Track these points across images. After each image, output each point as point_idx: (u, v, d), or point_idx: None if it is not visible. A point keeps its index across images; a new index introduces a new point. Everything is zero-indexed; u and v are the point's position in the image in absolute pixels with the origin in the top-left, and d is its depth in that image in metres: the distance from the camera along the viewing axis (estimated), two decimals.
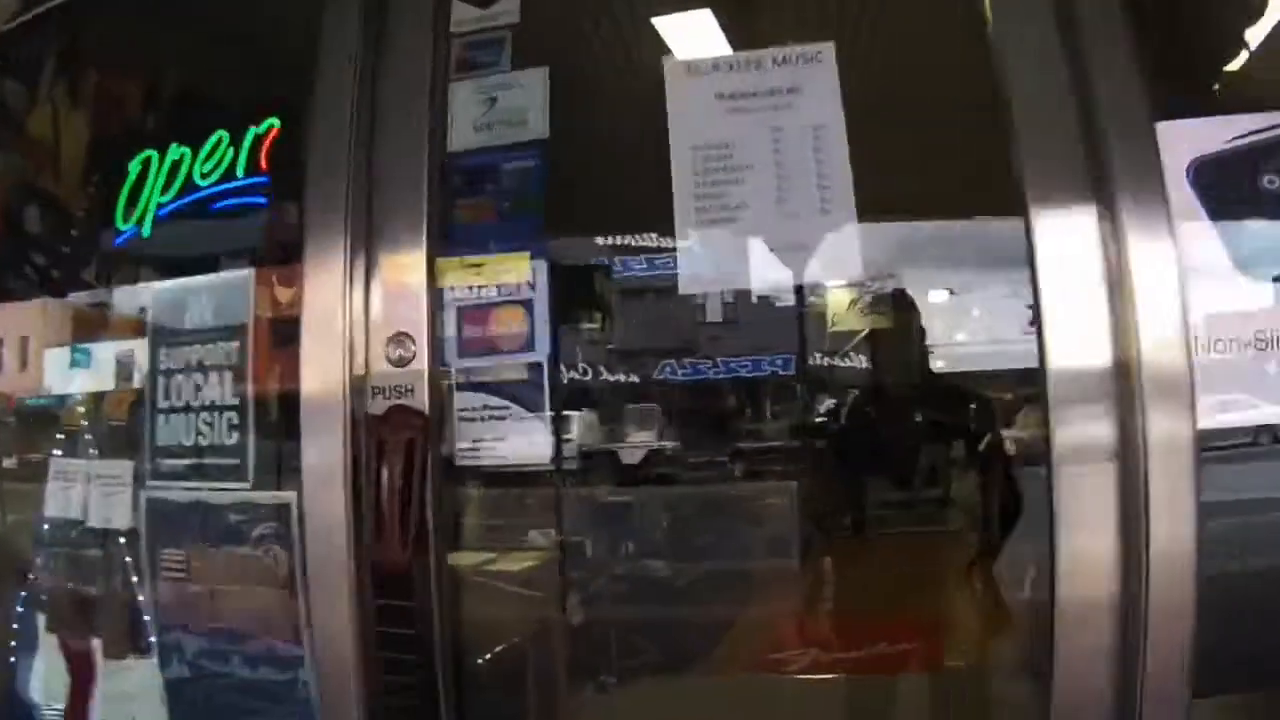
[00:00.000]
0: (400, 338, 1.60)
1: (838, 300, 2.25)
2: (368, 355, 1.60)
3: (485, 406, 1.62)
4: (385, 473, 1.53)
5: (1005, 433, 2.19)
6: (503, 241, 1.68)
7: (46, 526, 2.05)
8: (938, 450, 2.37)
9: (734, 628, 2.31)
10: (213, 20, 2.07)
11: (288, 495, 1.65)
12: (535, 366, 1.61)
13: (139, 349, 1.89)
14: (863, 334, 2.33)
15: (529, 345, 1.62)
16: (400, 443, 1.53)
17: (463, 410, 1.63)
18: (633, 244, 1.91)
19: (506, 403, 1.60)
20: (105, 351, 1.96)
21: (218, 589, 1.75)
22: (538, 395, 1.61)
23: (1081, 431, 1.29)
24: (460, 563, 1.68)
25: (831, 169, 1.57)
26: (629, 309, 2.33)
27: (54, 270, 2.24)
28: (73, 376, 2.03)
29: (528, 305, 1.63)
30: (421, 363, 1.58)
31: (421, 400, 1.56)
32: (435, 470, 1.55)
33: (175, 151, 1.95)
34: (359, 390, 1.58)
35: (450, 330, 1.64)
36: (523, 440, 1.62)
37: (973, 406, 2.31)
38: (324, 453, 1.57)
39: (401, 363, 1.59)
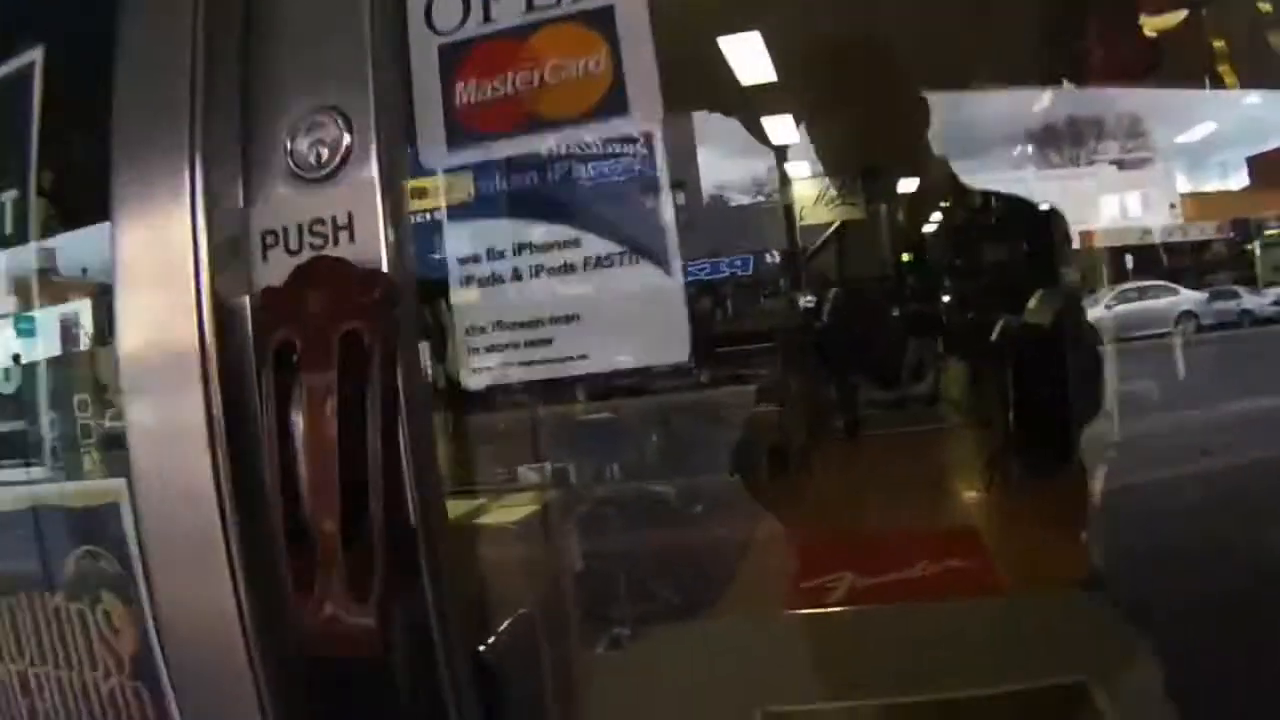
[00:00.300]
0: (322, 115, 0.69)
1: None
2: (247, 156, 0.69)
3: (529, 248, 0.69)
4: (299, 421, 0.63)
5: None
6: None
7: None
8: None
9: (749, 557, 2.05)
10: None
11: (112, 486, 0.76)
12: (640, 144, 0.68)
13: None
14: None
15: (617, 105, 0.69)
16: (327, 344, 0.63)
17: (466, 259, 0.70)
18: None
19: (576, 233, 0.67)
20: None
21: (31, 673, 0.88)
22: (651, 211, 0.67)
23: None
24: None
25: None
26: None
27: None
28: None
29: (601, 20, 0.70)
30: (368, 164, 0.68)
31: (374, 245, 0.66)
32: (422, 404, 0.65)
33: None
34: (228, 245, 0.68)
35: (432, 94, 0.72)
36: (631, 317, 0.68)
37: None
38: (162, 390, 0.68)
39: (324, 166, 0.68)
